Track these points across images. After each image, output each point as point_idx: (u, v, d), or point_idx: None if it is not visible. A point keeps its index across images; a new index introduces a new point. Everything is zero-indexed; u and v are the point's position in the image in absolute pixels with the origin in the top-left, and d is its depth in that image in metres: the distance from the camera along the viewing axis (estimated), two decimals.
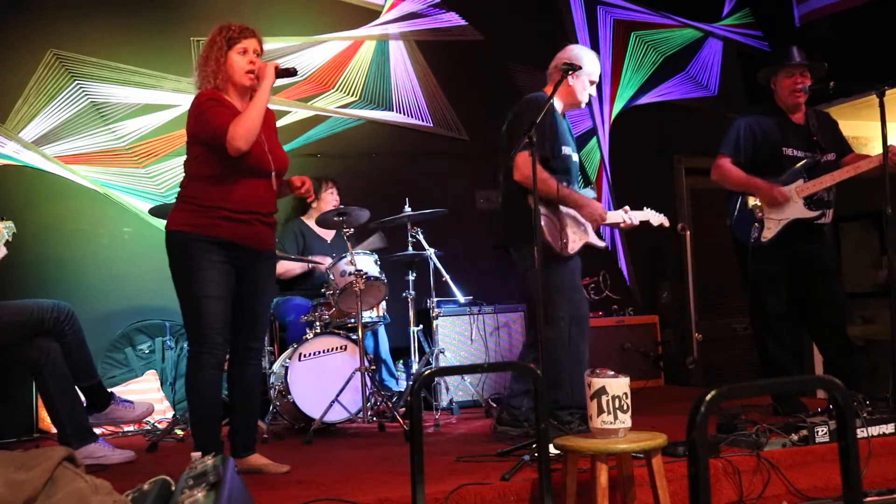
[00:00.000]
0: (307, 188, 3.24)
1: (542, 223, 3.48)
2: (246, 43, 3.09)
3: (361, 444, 3.94)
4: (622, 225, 3.79)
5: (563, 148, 3.67)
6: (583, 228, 3.70)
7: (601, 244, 3.81)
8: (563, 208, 3.63)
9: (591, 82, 3.82)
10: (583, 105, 3.91)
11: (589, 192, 3.81)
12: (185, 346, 3.63)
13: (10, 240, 3.88)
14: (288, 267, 4.89)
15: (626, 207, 3.82)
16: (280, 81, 3.26)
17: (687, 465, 1.57)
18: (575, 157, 3.84)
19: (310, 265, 4.87)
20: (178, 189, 3.17)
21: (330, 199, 5.05)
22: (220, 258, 3.03)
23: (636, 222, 3.81)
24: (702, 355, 6.41)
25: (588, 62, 3.77)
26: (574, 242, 3.62)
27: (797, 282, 3.99)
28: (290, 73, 3.18)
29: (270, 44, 5.38)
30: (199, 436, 3.09)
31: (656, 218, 3.92)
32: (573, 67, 3.50)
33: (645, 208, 3.90)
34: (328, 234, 5.07)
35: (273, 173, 3.12)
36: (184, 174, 3.15)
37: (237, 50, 3.08)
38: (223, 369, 3.11)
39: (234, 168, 3.02)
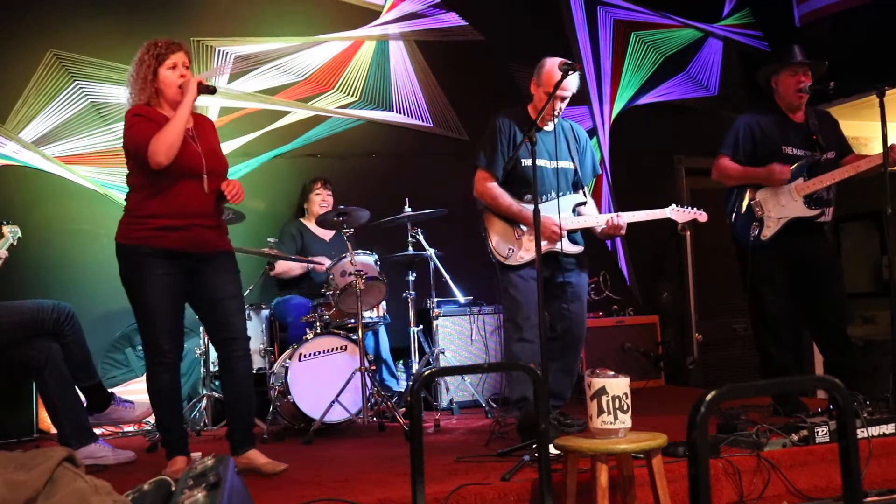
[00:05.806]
0: (235, 190, 3.17)
1: (494, 233, 3.69)
2: (175, 58, 3.16)
3: (361, 444, 3.94)
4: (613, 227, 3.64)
5: (522, 161, 3.61)
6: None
7: (574, 249, 3.69)
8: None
9: (546, 92, 3.55)
10: (545, 123, 3.63)
11: (571, 199, 3.72)
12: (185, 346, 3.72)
13: (15, 243, 3.90)
14: (287, 267, 4.89)
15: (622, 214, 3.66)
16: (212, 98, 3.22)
17: (687, 465, 1.57)
18: (555, 165, 3.69)
19: (309, 265, 4.87)
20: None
21: (316, 200, 5.05)
22: (165, 270, 3.10)
23: (622, 223, 3.62)
24: (702, 355, 6.40)
25: (543, 71, 3.65)
26: (526, 252, 3.61)
27: (797, 281, 3.99)
28: (210, 90, 3.23)
29: (271, 44, 5.39)
30: (164, 439, 3.27)
31: (682, 215, 3.82)
32: (573, 67, 3.40)
33: (674, 205, 3.83)
34: (327, 234, 5.06)
35: (205, 176, 3.15)
36: (127, 188, 3.22)
37: (167, 66, 3.15)
38: (178, 373, 3.23)
39: (167, 174, 3.07)
